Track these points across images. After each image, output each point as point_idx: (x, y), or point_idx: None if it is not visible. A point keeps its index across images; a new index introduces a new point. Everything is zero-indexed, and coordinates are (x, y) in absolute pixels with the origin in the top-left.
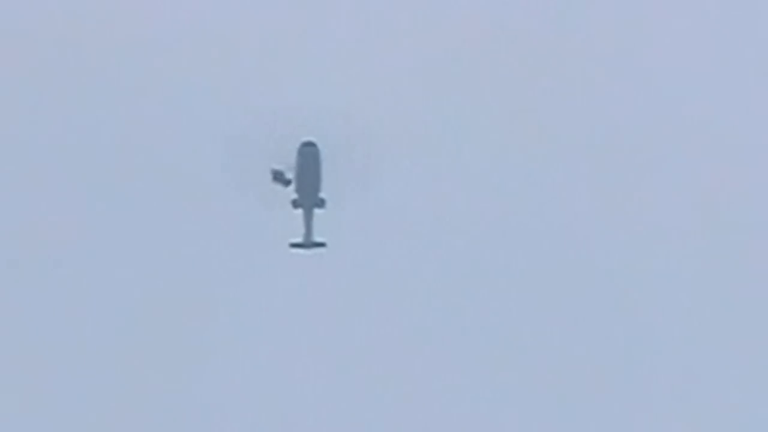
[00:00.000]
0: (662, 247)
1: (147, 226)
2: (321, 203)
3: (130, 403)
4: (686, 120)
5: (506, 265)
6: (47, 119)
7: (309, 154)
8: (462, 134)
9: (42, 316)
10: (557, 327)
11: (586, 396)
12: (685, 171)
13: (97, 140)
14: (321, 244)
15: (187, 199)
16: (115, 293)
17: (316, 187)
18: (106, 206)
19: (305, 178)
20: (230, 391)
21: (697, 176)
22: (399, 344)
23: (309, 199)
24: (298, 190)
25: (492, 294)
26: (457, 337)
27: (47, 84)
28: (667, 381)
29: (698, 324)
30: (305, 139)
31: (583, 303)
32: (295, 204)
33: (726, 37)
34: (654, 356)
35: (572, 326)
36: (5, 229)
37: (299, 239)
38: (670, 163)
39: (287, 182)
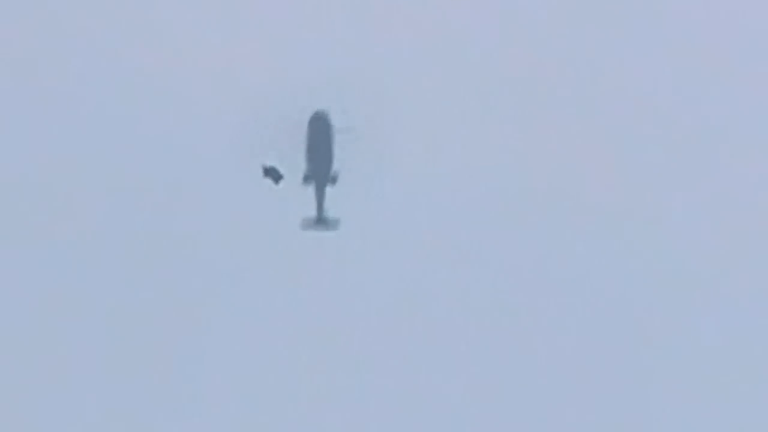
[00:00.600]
0: (685, 248)
1: (151, 203)
2: (333, 179)
3: (135, 380)
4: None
5: (528, 246)
6: (48, 93)
7: (320, 126)
8: (484, 106)
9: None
10: (570, 311)
11: (593, 398)
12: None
13: (103, 117)
14: (333, 223)
15: (192, 174)
16: (119, 271)
17: (329, 162)
18: (109, 185)
19: (316, 152)
20: (238, 372)
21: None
22: (413, 328)
23: (320, 174)
24: (309, 165)
25: (513, 277)
26: (476, 321)
27: (48, 59)
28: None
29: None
30: (316, 110)
31: (597, 295)
32: (306, 179)
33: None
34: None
35: (587, 319)
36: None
37: (311, 216)
38: (689, 159)
39: (279, 178)
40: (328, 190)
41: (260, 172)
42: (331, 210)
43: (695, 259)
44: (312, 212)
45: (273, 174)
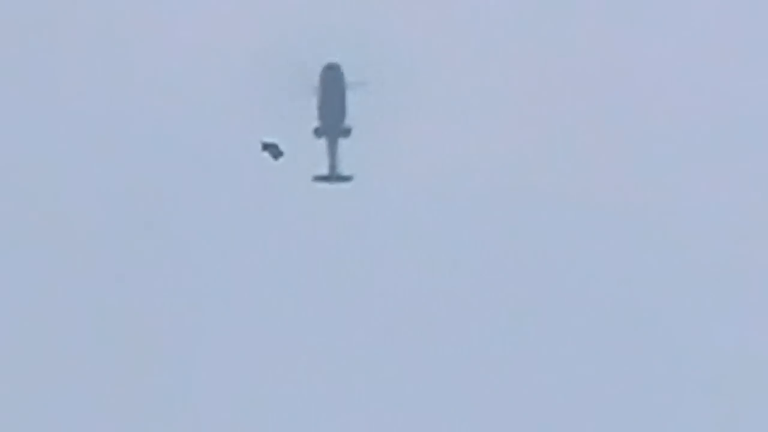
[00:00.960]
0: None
1: (162, 156)
2: (346, 132)
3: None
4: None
5: (539, 203)
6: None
7: (332, 78)
8: (496, 59)
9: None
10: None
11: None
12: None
13: (117, 71)
14: (347, 178)
15: (204, 127)
16: (129, 228)
17: (341, 115)
18: (124, 143)
19: (329, 105)
20: (250, 326)
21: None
22: (426, 283)
23: (333, 127)
24: (321, 118)
25: (524, 230)
26: (487, 277)
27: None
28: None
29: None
30: (328, 61)
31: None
32: (318, 133)
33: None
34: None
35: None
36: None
37: (324, 171)
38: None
39: (279, 154)
40: (341, 143)
41: (268, 138)
42: (343, 164)
43: (704, 259)
44: (324, 167)
45: (272, 150)
